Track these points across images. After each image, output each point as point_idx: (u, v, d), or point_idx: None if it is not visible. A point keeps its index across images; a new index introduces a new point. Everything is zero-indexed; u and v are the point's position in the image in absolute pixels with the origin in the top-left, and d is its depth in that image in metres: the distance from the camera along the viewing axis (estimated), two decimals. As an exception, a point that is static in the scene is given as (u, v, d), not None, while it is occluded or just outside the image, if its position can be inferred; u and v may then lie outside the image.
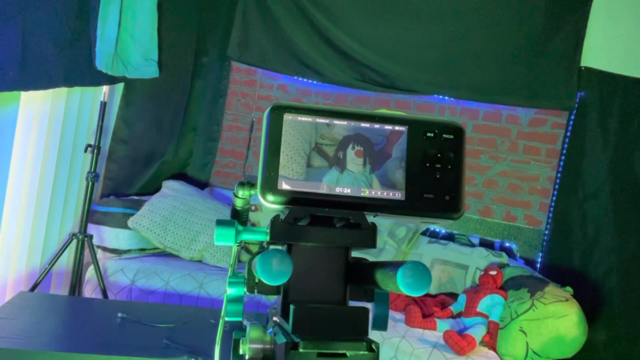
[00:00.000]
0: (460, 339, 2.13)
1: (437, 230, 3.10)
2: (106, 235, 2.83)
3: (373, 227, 0.36)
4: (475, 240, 3.01)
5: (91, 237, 2.55)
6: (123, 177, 3.16)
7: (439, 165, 0.36)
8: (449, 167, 0.36)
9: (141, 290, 2.55)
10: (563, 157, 2.98)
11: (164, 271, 2.61)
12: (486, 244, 2.98)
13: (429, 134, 0.37)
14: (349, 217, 0.36)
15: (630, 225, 2.65)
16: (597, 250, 2.77)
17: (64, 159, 2.66)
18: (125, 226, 2.82)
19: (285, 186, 0.34)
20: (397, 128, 0.37)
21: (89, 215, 2.61)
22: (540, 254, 3.03)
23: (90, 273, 2.60)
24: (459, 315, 2.45)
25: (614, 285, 2.71)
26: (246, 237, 0.38)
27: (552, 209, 3.00)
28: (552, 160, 3.04)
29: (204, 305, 2.49)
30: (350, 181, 0.35)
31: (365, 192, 0.35)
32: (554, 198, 3.00)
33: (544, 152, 3.04)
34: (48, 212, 2.60)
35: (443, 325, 2.33)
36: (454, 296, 2.63)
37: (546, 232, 3.02)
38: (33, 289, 2.36)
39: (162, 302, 2.52)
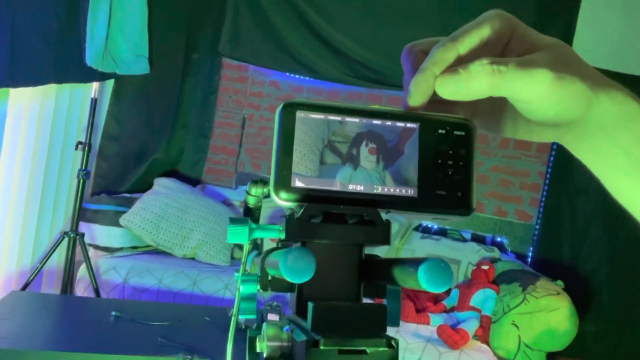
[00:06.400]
0: (454, 333, 2.15)
1: (430, 225, 3.12)
2: (98, 234, 2.80)
3: (387, 224, 0.36)
4: (467, 235, 3.04)
5: (83, 235, 2.52)
6: (114, 174, 3.14)
7: (450, 162, 0.37)
8: (461, 163, 0.37)
9: (134, 289, 2.54)
10: (553, 152, 3.01)
11: (156, 269, 2.59)
12: (478, 239, 3.01)
13: (440, 131, 0.37)
14: (362, 214, 0.36)
15: (619, 220, 2.69)
16: (587, 244, 2.81)
17: (54, 157, 2.63)
18: (117, 224, 2.80)
19: (298, 184, 0.34)
20: (409, 125, 0.37)
21: (80, 213, 2.58)
22: (531, 249, 3.07)
23: (82, 271, 2.58)
24: (452, 309, 2.47)
25: (603, 278, 2.75)
26: (259, 234, 0.38)
27: (542, 203, 3.04)
28: (543, 155, 3.06)
29: (198, 303, 2.48)
30: (363, 178, 0.36)
31: (378, 189, 0.36)
32: (545, 193, 3.04)
33: (535, 147, 3.07)
34: (38, 210, 2.57)
35: (436, 319, 2.35)
36: (446, 291, 2.65)
37: (537, 226, 3.05)
38: (24, 288, 2.33)
39: (156, 300, 2.51)
